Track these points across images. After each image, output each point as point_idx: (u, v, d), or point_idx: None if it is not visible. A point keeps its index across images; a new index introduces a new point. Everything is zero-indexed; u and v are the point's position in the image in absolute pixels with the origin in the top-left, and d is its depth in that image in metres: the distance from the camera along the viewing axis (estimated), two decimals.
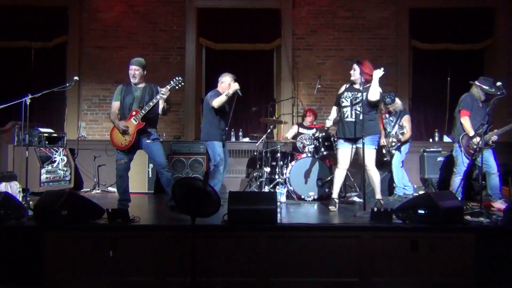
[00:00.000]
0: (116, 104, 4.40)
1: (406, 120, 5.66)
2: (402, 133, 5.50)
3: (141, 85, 4.41)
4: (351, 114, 4.44)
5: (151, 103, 4.23)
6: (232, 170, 6.88)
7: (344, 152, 4.53)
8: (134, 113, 4.29)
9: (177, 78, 4.34)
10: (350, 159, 4.57)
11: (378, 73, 4.29)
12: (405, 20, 7.30)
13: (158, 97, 4.24)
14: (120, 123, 4.28)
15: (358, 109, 4.38)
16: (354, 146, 4.51)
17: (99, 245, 3.53)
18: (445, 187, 5.23)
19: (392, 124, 5.75)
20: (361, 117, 4.31)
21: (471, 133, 4.66)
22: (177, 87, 4.37)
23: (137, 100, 4.32)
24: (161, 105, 4.38)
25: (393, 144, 5.69)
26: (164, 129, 7.07)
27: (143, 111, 4.24)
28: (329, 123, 4.63)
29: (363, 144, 4.22)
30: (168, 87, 4.26)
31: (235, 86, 4.90)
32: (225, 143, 5.19)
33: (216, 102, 4.92)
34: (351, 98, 4.46)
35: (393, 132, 5.70)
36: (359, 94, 4.40)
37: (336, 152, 4.67)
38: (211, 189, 3.20)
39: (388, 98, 5.68)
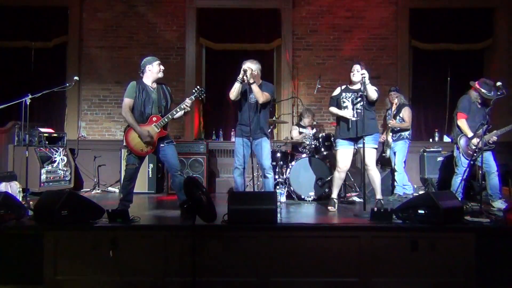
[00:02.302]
0: (130, 102, 4.11)
1: (406, 111, 5.67)
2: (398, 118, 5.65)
3: (154, 85, 4.24)
4: (353, 114, 4.43)
5: (174, 112, 4.11)
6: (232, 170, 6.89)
7: (345, 153, 4.51)
8: (154, 119, 4.12)
9: (198, 87, 4.27)
10: (350, 161, 4.56)
11: (365, 74, 4.28)
12: (405, 20, 7.30)
13: (183, 107, 4.12)
14: (144, 130, 4.06)
15: (359, 107, 4.38)
16: (356, 147, 4.50)
17: (99, 245, 3.52)
18: (445, 187, 5.23)
19: (392, 116, 5.77)
20: (362, 116, 4.31)
21: (469, 134, 4.68)
22: (200, 98, 4.31)
23: (155, 104, 4.16)
24: (179, 114, 4.22)
25: (390, 131, 5.70)
26: None
27: (165, 119, 4.10)
28: (349, 113, 4.42)
29: (363, 143, 4.22)
30: (193, 97, 4.20)
31: (243, 68, 4.41)
32: (251, 141, 4.43)
33: (230, 93, 4.51)
34: (352, 98, 4.46)
35: (391, 122, 5.71)
36: (355, 94, 4.44)
37: (335, 153, 4.65)
38: (206, 203, 3.23)
39: (393, 87, 5.96)
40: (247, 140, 4.49)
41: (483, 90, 4.69)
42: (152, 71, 4.21)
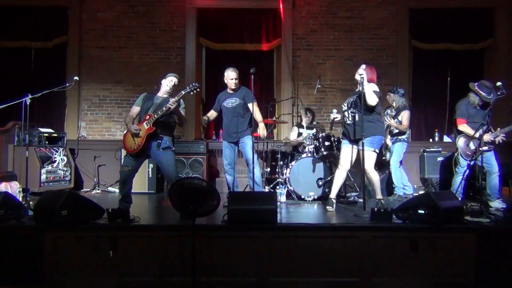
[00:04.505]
0: (135, 109, 4.35)
1: (405, 114, 5.66)
2: (396, 121, 5.60)
3: (166, 96, 4.32)
4: (349, 117, 4.50)
5: (164, 108, 4.11)
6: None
7: (346, 152, 4.53)
8: (147, 117, 4.17)
9: (193, 83, 4.27)
10: (351, 160, 4.56)
11: (363, 74, 4.29)
12: (405, 20, 7.30)
13: (168, 106, 4.10)
14: (132, 126, 4.20)
15: (353, 110, 4.44)
16: (355, 147, 4.52)
17: (99, 245, 3.53)
18: (446, 187, 5.23)
19: (391, 116, 5.76)
20: (356, 118, 4.38)
21: (476, 134, 4.61)
22: (192, 93, 4.29)
23: (154, 106, 4.23)
24: (167, 110, 4.20)
25: (388, 133, 5.72)
26: None
27: (155, 116, 4.12)
28: (332, 115, 4.66)
29: (363, 144, 4.23)
30: (183, 92, 4.18)
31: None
32: (236, 142, 4.97)
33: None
34: (348, 102, 4.54)
35: (389, 121, 5.71)
36: (353, 97, 4.48)
37: (339, 152, 4.71)
38: (206, 184, 3.22)
39: (393, 87, 5.93)
40: (232, 143, 4.97)
41: (483, 94, 4.64)
42: (163, 83, 4.37)
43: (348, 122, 4.50)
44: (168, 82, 4.32)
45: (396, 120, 5.66)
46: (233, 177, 5.01)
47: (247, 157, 4.88)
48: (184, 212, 3.28)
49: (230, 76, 4.92)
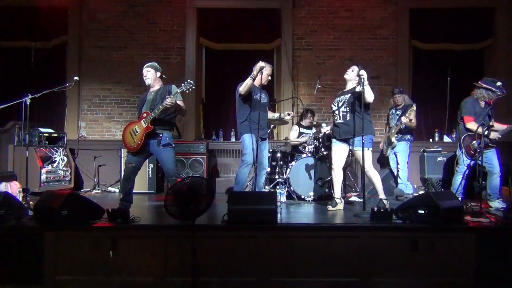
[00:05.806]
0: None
1: (412, 112, 5.62)
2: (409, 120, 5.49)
3: (156, 88, 4.31)
4: (340, 117, 4.50)
5: (160, 106, 4.04)
6: (232, 170, 6.89)
7: (336, 150, 4.56)
8: (144, 115, 4.15)
9: (188, 81, 4.11)
10: (343, 159, 4.56)
11: (364, 74, 4.25)
12: (405, 20, 7.30)
13: (164, 103, 4.01)
14: (132, 125, 4.26)
15: (344, 109, 4.45)
16: (345, 146, 4.53)
17: (99, 245, 3.52)
18: (448, 187, 5.22)
19: (397, 117, 5.73)
20: (347, 118, 4.40)
21: (479, 130, 4.59)
22: (187, 91, 4.16)
23: (149, 103, 4.22)
24: (165, 106, 4.13)
25: (394, 132, 5.67)
26: None
27: (152, 114, 4.08)
28: (323, 129, 5.03)
29: (363, 144, 4.21)
30: (178, 90, 4.08)
31: (258, 64, 4.53)
32: (263, 139, 4.72)
33: (241, 87, 4.57)
34: (338, 100, 4.55)
35: (395, 123, 5.68)
36: (343, 96, 4.49)
37: (331, 152, 4.69)
38: (197, 180, 3.22)
39: (397, 88, 5.87)
40: (255, 138, 4.59)
41: (493, 88, 4.63)
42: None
43: (339, 121, 4.50)
44: (144, 77, 4.35)
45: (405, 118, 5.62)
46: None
47: (264, 160, 4.85)
48: (186, 216, 3.26)
49: (268, 72, 4.84)
